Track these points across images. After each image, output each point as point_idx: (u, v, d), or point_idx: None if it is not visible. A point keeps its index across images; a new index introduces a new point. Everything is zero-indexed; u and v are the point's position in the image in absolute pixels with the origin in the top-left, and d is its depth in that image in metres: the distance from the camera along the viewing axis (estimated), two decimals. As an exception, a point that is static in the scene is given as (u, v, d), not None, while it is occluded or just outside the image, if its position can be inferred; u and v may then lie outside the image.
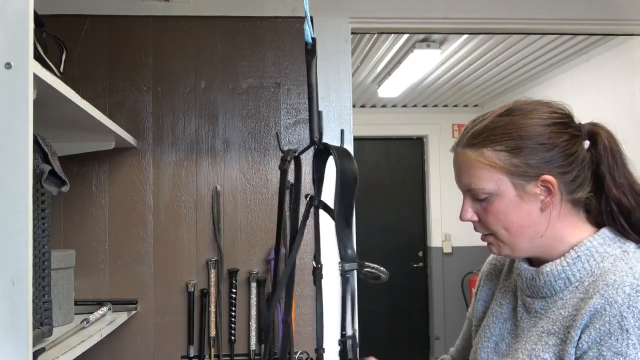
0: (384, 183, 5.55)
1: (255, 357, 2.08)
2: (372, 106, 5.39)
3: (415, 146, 5.64)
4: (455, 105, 5.41)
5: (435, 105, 5.39)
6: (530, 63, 3.99)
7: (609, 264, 0.95)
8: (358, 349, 0.89)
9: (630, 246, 0.98)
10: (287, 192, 1.05)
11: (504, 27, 2.35)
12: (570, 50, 3.71)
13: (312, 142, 0.94)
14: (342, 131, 1.00)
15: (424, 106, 5.41)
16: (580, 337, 0.91)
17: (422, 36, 3.42)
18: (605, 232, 1.00)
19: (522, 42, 3.50)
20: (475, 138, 1.00)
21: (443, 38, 3.46)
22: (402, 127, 5.49)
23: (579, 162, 0.99)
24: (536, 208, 0.99)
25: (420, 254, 5.58)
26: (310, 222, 0.98)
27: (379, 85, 4.50)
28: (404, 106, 5.41)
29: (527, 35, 3.16)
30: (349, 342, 0.91)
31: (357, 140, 2.32)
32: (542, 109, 1.01)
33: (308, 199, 0.97)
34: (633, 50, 3.31)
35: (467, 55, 3.77)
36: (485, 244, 1.07)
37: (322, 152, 0.95)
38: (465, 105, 5.42)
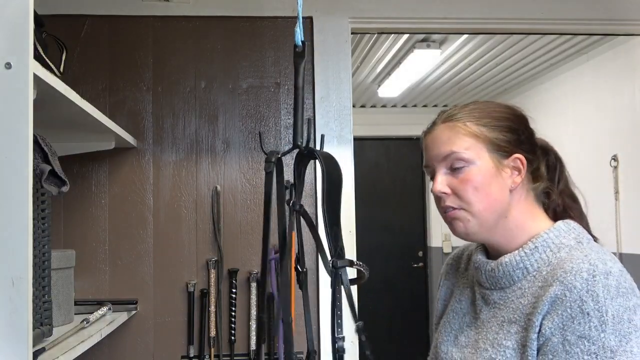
0: (384, 183, 5.55)
1: (255, 357, 2.08)
2: (372, 106, 5.39)
3: (415, 146, 5.64)
4: (456, 106, 5.40)
5: (435, 105, 5.39)
6: (530, 63, 3.99)
7: (565, 253, 1.01)
8: (364, 341, 0.88)
9: (584, 238, 1.04)
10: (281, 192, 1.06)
11: (504, 27, 2.35)
12: (570, 50, 3.71)
13: (294, 146, 0.95)
14: (322, 136, 1.04)
15: (424, 106, 5.41)
16: (542, 324, 0.95)
17: (422, 36, 3.42)
18: (560, 225, 1.06)
19: (522, 42, 3.50)
20: (456, 115, 1.08)
21: (443, 38, 3.46)
22: (402, 127, 5.48)
23: (539, 155, 1.09)
24: (507, 186, 1.05)
25: (420, 254, 5.58)
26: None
27: (379, 85, 4.50)
28: (404, 106, 5.41)
29: (527, 35, 3.16)
30: (357, 335, 0.90)
31: (357, 140, 2.32)
32: (508, 105, 1.12)
33: (290, 204, 0.98)
34: (633, 50, 3.32)
35: (467, 55, 3.77)
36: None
37: (304, 156, 0.97)
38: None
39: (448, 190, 1.05)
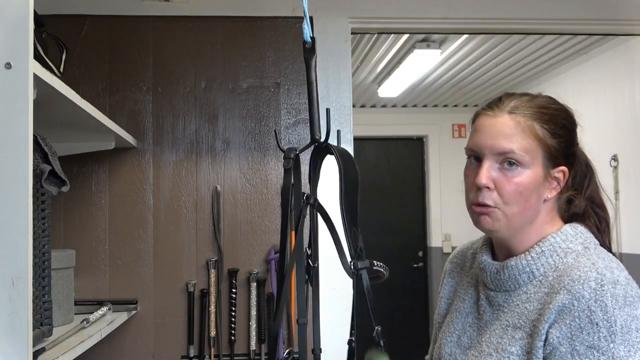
0: (384, 183, 5.55)
1: (255, 357, 2.08)
2: (372, 106, 5.39)
3: (415, 146, 5.64)
4: (455, 105, 5.41)
5: (435, 105, 5.39)
6: (530, 63, 3.99)
7: (571, 259, 0.99)
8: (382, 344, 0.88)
9: (591, 243, 1.03)
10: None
11: (504, 27, 2.35)
12: (570, 50, 3.71)
13: (313, 141, 0.94)
14: (338, 132, 0.99)
15: (424, 106, 5.41)
16: (548, 332, 0.94)
17: (422, 36, 3.42)
18: (566, 229, 1.04)
19: (522, 42, 3.49)
20: (524, 109, 1.02)
21: (443, 38, 3.46)
22: (402, 127, 5.48)
23: (576, 166, 1.08)
24: (544, 195, 1.03)
25: (420, 254, 5.58)
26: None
27: (379, 85, 4.50)
28: (404, 106, 5.41)
29: (527, 35, 3.15)
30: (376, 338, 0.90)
31: (357, 140, 2.32)
32: (571, 110, 1.08)
33: (304, 197, 0.97)
34: (633, 50, 3.32)
35: (467, 55, 3.77)
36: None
37: (321, 150, 0.95)
38: (465, 105, 5.42)
39: (492, 185, 1.01)
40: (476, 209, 1.03)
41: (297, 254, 0.95)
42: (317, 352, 0.98)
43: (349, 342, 0.90)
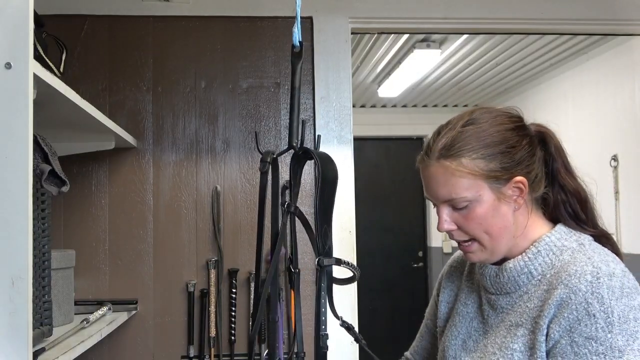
0: (384, 183, 5.55)
1: (255, 357, 2.08)
2: (372, 106, 5.38)
3: (415, 146, 5.63)
4: (455, 105, 5.41)
5: (435, 105, 5.39)
6: (530, 63, 3.99)
7: (568, 256, 1.01)
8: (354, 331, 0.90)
9: (585, 239, 1.04)
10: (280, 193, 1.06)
11: (504, 27, 2.35)
12: (571, 50, 3.71)
13: (290, 146, 0.95)
14: (318, 136, 1.03)
15: (424, 106, 5.41)
16: (549, 327, 0.96)
17: (422, 36, 3.42)
18: (560, 227, 1.06)
19: (522, 42, 3.50)
20: (450, 149, 1.02)
21: (443, 38, 3.46)
22: (402, 127, 5.48)
23: (538, 160, 1.05)
24: (511, 209, 1.03)
25: (420, 254, 5.58)
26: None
27: (379, 85, 4.50)
28: (404, 106, 5.41)
29: (527, 35, 3.16)
30: (344, 329, 0.92)
31: (357, 140, 2.32)
32: (502, 115, 1.06)
33: (285, 206, 0.99)
34: (633, 50, 3.32)
35: (467, 55, 3.77)
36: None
37: (300, 157, 0.97)
38: (465, 105, 5.41)
39: (454, 227, 1.05)
40: (459, 247, 1.09)
41: (275, 258, 0.97)
42: (300, 353, 1.00)
43: (318, 337, 0.91)
